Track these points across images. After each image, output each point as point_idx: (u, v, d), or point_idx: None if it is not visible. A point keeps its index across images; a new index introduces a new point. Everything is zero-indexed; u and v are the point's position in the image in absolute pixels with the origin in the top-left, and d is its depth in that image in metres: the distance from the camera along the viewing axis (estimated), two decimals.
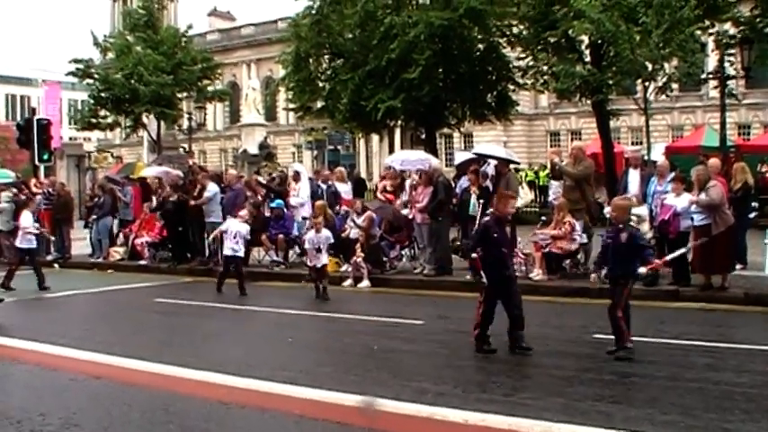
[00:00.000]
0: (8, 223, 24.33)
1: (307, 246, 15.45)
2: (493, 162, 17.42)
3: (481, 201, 16.14)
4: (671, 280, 13.96)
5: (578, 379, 8.25)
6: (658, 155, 26.47)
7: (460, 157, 22.41)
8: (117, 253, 22.49)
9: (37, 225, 18.19)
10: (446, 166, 33.17)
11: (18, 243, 17.54)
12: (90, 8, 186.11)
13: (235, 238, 16.00)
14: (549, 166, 21.83)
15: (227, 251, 16.33)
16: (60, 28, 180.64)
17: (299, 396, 7.60)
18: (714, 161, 16.62)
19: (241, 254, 16.30)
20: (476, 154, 18.58)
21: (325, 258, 15.15)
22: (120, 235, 23.23)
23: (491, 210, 10.67)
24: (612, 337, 9.22)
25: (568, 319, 12.33)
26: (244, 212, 16.93)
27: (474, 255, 10.24)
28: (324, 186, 20.33)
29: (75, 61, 51.15)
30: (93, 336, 11.82)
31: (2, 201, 24.65)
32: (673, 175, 14.99)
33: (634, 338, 9.15)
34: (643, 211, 14.63)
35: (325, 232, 15.30)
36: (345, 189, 20.94)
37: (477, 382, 8.19)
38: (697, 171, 14.32)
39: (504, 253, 9.91)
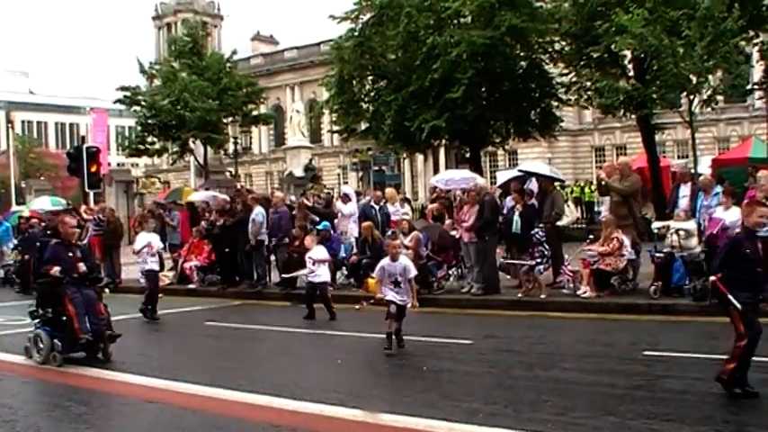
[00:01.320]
0: None
1: (377, 275, 12.17)
2: (535, 179, 17.44)
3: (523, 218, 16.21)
4: None
5: (630, 397, 8.19)
6: (705, 168, 26.26)
7: (504, 176, 22.40)
8: (166, 277, 22.68)
9: (160, 245, 18.31)
10: (491, 184, 33.12)
11: (142, 266, 17.42)
12: (135, 35, 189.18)
13: (314, 264, 15.44)
14: (596, 181, 21.73)
15: (312, 277, 15.55)
16: (106, 56, 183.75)
17: (349, 418, 7.64)
18: (764, 173, 16.43)
19: (325, 278, 15.72)
20: (520, 171, 18.57)
21: (407, 296, 11.81)
22: (170, 259, 23.48)
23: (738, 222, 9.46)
24: (664, 353, 9.09)
25: (618, 336, 12.22)
26: (309, 239, 16.45)
27: (712, 277, 8.44)
28: (376, 207, 20.40)
29: (123, 89, 52.02)
30: (146, 359, 11.95)
31: None
32: (721, 188, 14.85)
33: (685, 355, 9.05)
34: (691, 225, 14.50)
35: (404, 260, 12.11)
36: (395, 210, 20.99)
37: (529, 402, 8.16)
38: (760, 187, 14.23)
39: (758, 273, 8.32)
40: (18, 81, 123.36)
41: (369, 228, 18.80)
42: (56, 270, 11.08)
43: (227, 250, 20.72)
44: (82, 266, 11.43)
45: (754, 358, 8.80)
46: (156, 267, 17.53)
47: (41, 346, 11.10)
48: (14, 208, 41.64)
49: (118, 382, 9.98)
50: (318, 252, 15.69)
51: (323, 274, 15.53)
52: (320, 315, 15.50)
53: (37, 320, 11.46)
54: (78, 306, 11.02)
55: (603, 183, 16.50)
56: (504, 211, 17.43)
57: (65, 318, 11.02)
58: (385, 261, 11.97)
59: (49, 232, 19.21)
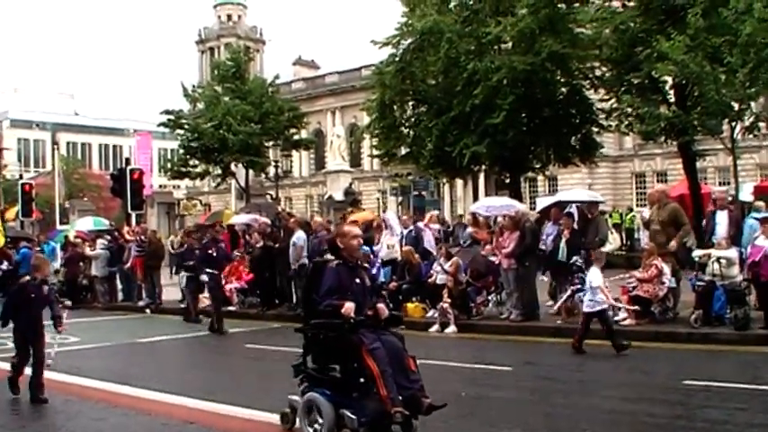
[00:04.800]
0: (104, 269, 25.13)
1: None
2: (575, 205, 17.40)
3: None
4: (763, 324, 13.66)
5: (670, 426, 8.16)
6: (747, 195, 26.01)
7: (543, 202, 22.35)
8: (206, 299, 22.90)
9: None
10: (531, 209, 33.08)
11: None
12: (179, 59, 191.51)
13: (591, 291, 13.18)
14: (635, 211, 21.68)
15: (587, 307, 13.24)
16: (151, 79, 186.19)
17: None
18: None
19: (604, 306, 13.29)
20: (560, 201, 18.52)
21: None
22: None
23: None
24: (705, 383, 9.04)
25: (657, 364, 12.16)
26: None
27: None
28: (405, 231, 20.38)
29: (167, 112, 52.69)
30: (186, 381, 12.08)
31: (98, 247, 25.49)
32: (763, 215, 14.73)
33: (726, 385, 8.98)
34: (732, 253, 14.39)
35: None
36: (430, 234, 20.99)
37: (567, 430, 8.16)
38: None
39: None
40: (64, 103, 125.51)
41: (409, 252, 18.84)
42: (350, 308, 7.57)
43: (266, 274, 20.91)
44: (383, 308, 8.10)
45: None
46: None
47: (320, 419, 7.52)
48: (59, 228, 42.25)
49: (158, 402, 10.08)
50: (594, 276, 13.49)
51: (601, 303, 13.22)
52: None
53: (304, 377, 8.02)
54: (382, 362, 7.37)
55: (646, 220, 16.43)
56: (544, 237, 17.39)
57: (362, 379, 7.41)
58: None
59: (198, 247, 19.89)
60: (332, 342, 7.66)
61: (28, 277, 11.04)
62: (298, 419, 7.87)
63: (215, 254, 18.57)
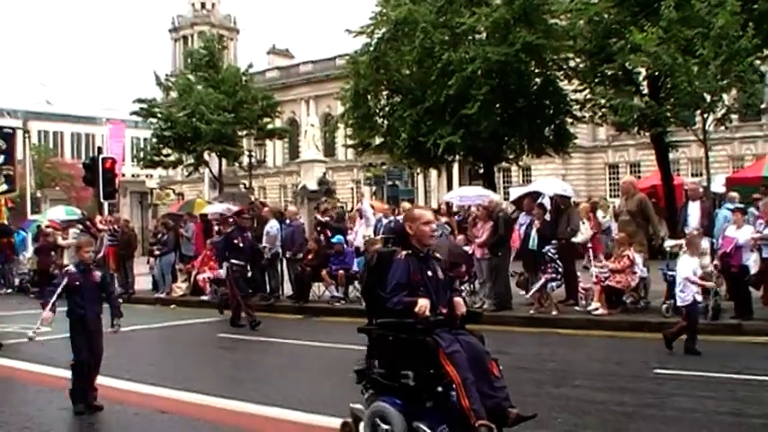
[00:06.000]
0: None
1: None
2: (548, 195, 17.48)
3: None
4: (733, 313, 13.81)
5: (640, 415, 8.23)
6: (719, 186, 26.21)
7: (517, 192, 22.45)
8: (179, 288, 22.85)
9: None
10: (504, 200, 33.18)
11: None
12: (152, 48, 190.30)
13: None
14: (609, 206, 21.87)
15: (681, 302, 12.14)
16: (123, 67, 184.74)
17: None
18: None
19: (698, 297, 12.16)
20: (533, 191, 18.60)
21: None
22: (183, 271, 23.62)
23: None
24: (675, 372, 9.13)
25: (629, 353, 12.24)
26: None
27: None
28: (385, 221, 20.28)
29: (139, 101, 52.33)
30: (158, 370, 12.03)
31: (70, 237, 25.33)
32: (736, 206, 14.86)
33: (696, 373, 9.07)
34: (704, 244, 14.50)
35: None
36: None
37: (539, 419, 8.19)
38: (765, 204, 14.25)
39: None
40: (35, 91, 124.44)
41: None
42: (425, 306, 6.51)
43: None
44: (460, 303, 7.04)
45: (760, 378, 8.83)
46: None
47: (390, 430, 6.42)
48: (31, 217, 41.92)
49: (131, 392, 10.04)
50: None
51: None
52: (334, 327, 15.57)
53: (368, 383, 6.91)
54: (463, 368, 6.29)
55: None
56: (516, 227, 17.46)
57: (440, 388, 6.32)
58: None
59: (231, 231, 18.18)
60: (404, 345, 6.54)
61: (71, 265, 9.84)
62: (362, 431, 6.82)
63: (241, 244, 17.59)
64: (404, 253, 6.86)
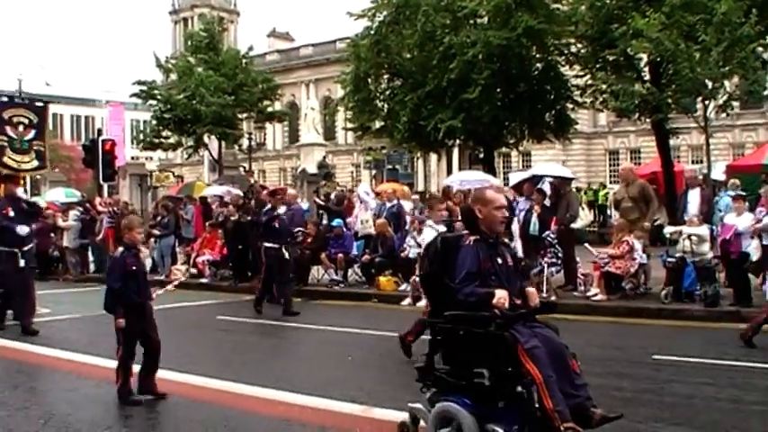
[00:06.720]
0: (75, 241, 24.96)
1: None
2: (548, 180, 17.44)
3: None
4: (732, 300, 13.81)
5: (638, 400, 8.22)
6: (719, 173, 26.20)
7: (516, 177, 22.37)
8: (179, 271, 22.83)
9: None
10: (504, 184, 33.16)
11: None
12: (152, 30, 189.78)
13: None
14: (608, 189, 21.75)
15: None
16: (123, 49, 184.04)
17: (359, 414, 7.70)
18: None
19: None
20: (534, 175, 18.57)
21: None
22: (182, 253, 23.62)
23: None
24: (673, 358, 9.13)
25: (628, 339, 12.24)
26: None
27: None
28: (388, 205, 20.31)
29: (139, 83, 52.21)
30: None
31: (69, 219, 25.32)
32: (736, 193, 14.85)
33: (694, 360, 9.06)
34: (703, 231, 14.51)
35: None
36: (409, 207, 20.90)
37: None
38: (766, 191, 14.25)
39: None
40: (35, 73, 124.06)
41: (382, 226, 18.84)
42: (503, 298, 5.93)
43: (240, 246, 20.80)
44: (534, 293, 6.51)
45: (759, 365, 8.81)
46: None
47: None
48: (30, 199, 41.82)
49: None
50: None
51: None
52: (333, 311, 15.55)
53: (431, 381, 6.30)
54: (544, 366, 5.72)
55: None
56: (516, 213, 17.42)
57: (520, 388, 5.67)
58: None
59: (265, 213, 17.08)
60: (478, 340, 5.87)
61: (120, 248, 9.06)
62: None
63: (278, 225, 16.66)
64: (472, 238, 6.29)
